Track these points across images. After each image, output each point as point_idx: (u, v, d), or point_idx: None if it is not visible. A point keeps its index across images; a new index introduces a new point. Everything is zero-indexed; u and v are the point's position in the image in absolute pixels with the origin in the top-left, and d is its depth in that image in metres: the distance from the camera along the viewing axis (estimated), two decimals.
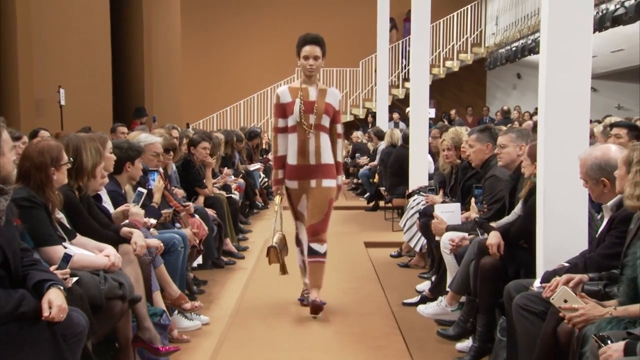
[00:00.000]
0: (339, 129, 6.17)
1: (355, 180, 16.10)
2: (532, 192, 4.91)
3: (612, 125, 6.57)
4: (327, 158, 6.00)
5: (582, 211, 4.58)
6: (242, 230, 9.90)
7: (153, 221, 5.80)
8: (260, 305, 6.10)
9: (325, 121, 5.95)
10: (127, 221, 5.37)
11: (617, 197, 4.07)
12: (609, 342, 3.11)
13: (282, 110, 5.99)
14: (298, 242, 6.39)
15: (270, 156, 13.97)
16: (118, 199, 5.70)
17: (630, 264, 3.68)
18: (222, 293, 6.94)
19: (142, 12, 16.55)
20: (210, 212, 7.82)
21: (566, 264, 4.22)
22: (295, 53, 6.10)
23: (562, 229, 4.57)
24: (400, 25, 22.89)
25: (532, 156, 4.93)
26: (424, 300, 6.49)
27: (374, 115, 17.52)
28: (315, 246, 6.05)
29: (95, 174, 5.06)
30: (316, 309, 5.89)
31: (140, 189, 5.76)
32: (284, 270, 6.25)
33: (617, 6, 13.26)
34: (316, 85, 6.04)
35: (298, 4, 23.95)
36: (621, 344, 3.03)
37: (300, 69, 5.95)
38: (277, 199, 6.29)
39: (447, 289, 5.97)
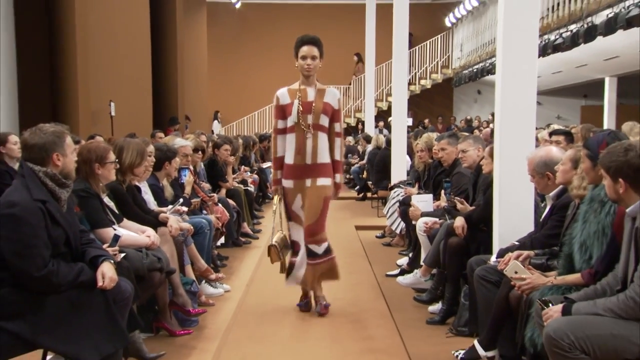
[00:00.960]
0: (338, 127, 5.26)
1: (347, 176, 16.13)
2: (489, 185, 4.96)
3: (552, 133, 6.61)
4: (324, 158, 5.15)
5: (529, 200, 4.61)
6: (256, 217, 9.90)
7: (184, 209, 5.85)
8: (271, 276, 6.12)
9: (324, 121, 5.11)
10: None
11: (558, 188, 4.11)
12: (550, 305, 3.14)
13: (282, 111, 5.15)
14: (291, 243, 5.38)
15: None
16: (157, 191, 5.73)
17: (567, 242, 3.72)
18: (240, 266, 6.96)
19: (176, 39, 16.53)
20: (231, 201, 7.84)
21: (516, 243, 4.24)
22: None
23: (513, 214, 4.60)
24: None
25: (492, 156, 4.98)
26: (402, 272, 6.50)
27: (363, 123, 17.50)
28: (314, 247, 5.20)
29: (135, 171, 5.11)
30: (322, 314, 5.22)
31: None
32: (283, 268, 5.31)
33: (557, 37, 13.32)
34: (315, 85, 5.17)
35: (305, 32, 23.85)
36: (559, 306, 3.05)
37: (299, 69, 5.11)
38: (275, 198, 5.40)
39: (422, 263, 5.98)
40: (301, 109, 5.04)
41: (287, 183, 5.21)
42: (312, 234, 5.17)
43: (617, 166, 2.94)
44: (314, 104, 5.07)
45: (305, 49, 5.03)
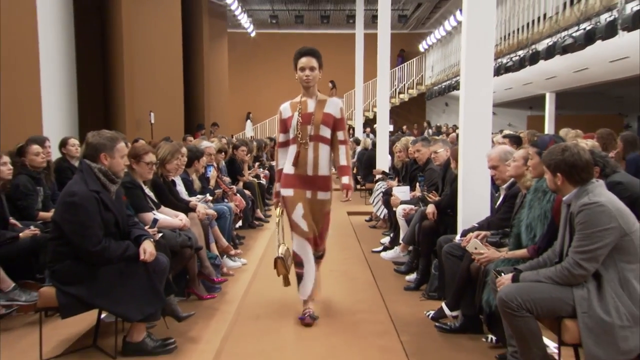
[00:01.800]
0: (341, 135, 4.28)
1: None
2: (455, 178, 4.97)
3: (504, 137, 6.63)
4: (324, 170, 4.21)
5: (486, 191, 4.63)
6: (267, 204, 9.86)
7: (210, 197, 5.87)
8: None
9: (325, 132, 4.16)
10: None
11: (510, 180, 4.12)
12: (502, 274, 3.15)
13: (284, 125, 4.26)
14: (294, 257, 4.31)
15: None
16: (187, 183, 5.73)
17: (516, 224, 3.74)
18: (254, 244, 6.95)
19: (203, 61, 16.50)
20: (247, 192, 7.83)
21: (476, 225, 4.24)
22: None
23: (474, 202, 4.61)
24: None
25: (455, 156, 4.98)
26: (385, 249, 6.52)
27: (353, 129, 17.47)
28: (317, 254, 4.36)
29: (167, 167, 5.14)
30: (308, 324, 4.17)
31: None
32: (287, 281, 4.36)
33: (508, 60, 13.35)
34: (315, 96, 4.24)
35: None
36: (510, 275, 3.07)
37: (299, 81, 4.22)
38: (277, 211, 4.41)
39: (400, 241, 5.97)
40: (300, 120, 4.14)
41: (287, 192, 4.23)
42: (317, 245, 4.31)
43: (555, 163, 2.96)
44: (313, 116, 4.15)
45: (303, 60, 4.15)
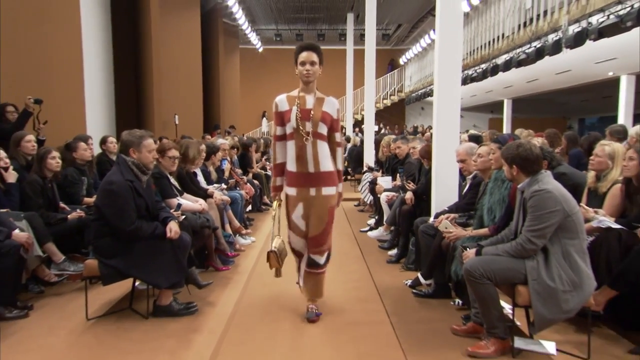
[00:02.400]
0: (338, 137, 3.60)
1: None
2: (429, 170, 4.97)
3: (469, 136, 6.62)
4: (327, 166, 3.47)
5: (455, 180, 4.62)
6: None
7: (224, 186, 5.87)
8: (285, 231, 6.11)
9: (323, 129, 3.44)
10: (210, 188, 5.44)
11: (474, 172, 4.13)
12: (467, 249, 3.16)
13: (280, 118, 3.50)
14: (292, 250, 3.73)
15: None
16: (206, 174, 5.73)
17: (479, 208, 3.75)
18: (262, 225, 6.93)
19: (218, 72, 16.47)
20: (255, 181, 7.83)
21: (447, 208, 4.24)
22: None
23: (444, 190, 4.61)
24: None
25: (429, 153, 4.98)
26: (371, 229, 6.53)
27: (344, 128, 17.45)
28: (316, 257, 3.58)
29: (194, 162, 5.14)
30: (313, 320, 3.55)
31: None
32: (278, 273, 3.70)
33: (473, 72, 13.32)
34: (314, 93, 3.52)
35: None
36: (474, 250, 3.07)
37: (298, 76, 3.50)
38: (275, 204, 3.68)
39: (384, 222, 5.99)
40: (300, 115, 3.43)
41: (290, 190, 3.53)
42: (317, 245, 3.56)
43: (512, 157, 2.97)
44: (312, 112, 3.44)
45: (304, 55, 3.45)
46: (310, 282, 3.63)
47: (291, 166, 3.50)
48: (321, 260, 3.58)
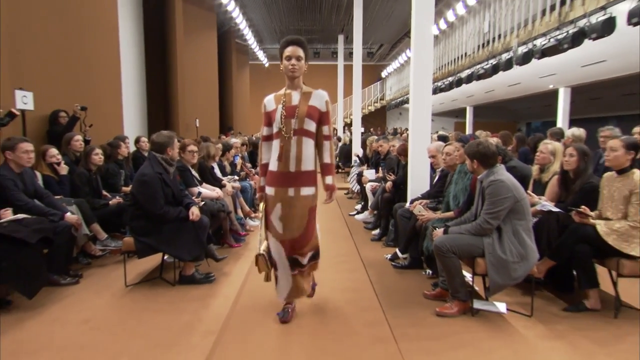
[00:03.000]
0: (326, 130, 2.84)
1: None
2: (406, 164, 4.96)
3: (438, 137, 6.62)
4: (308, 165, 2.76)
5: (426, 172, 4.62)
6: None
7: (237, 177, 5.85)
8: None
9: (309, 125, 2.74)
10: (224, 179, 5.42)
11: (442, 166, 4.13)
12: (436, 228, 3.18)
13: (268, 118, 2.83)
14: (269, 257, 2.86)
15: None
16: (222, 168, 5.70)
17: (446, 195, 3.76)
18: None
19: (232, 84, 16.36)
20: None
21: (420, 196, 4.25)
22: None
23: (418, 180, 4.61)
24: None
25: (405, 150, 4.98)
26: (358, 213, 6.51)
27: (336, 130, 17.38)
28: (298, 257, 2.85)
29: (214, 158, 5.11)
30: (284, 321, 2.86)
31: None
32: (267, 278, 2.91)
33: (441, 84, 13.33)
34: (300, 89, 2.83)
35: (306, 79, 23.74)
36: (442, 229, 3.09)
37: (284, 71, 2.81)
38: (261, 205, 2.88)
39: (369, 207, 6.01)
40: (284, 113, 2.74)
41: (269, 190, 2.80)
42: (296, 248, 2.83)
43: (473, 153, 2.97)
44: (297, 108, 2.74)
45: (289, 49, 2.77)
46: (294, 283, 2.85)
47: (272, 165, 2.79)
48: (303, 260, 2.86)
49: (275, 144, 2.78)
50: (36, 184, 3.65)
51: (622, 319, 2.90)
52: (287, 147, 2.73)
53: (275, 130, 2.79)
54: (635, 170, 2.95)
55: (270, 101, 2.89)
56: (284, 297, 2.91)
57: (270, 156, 2.83)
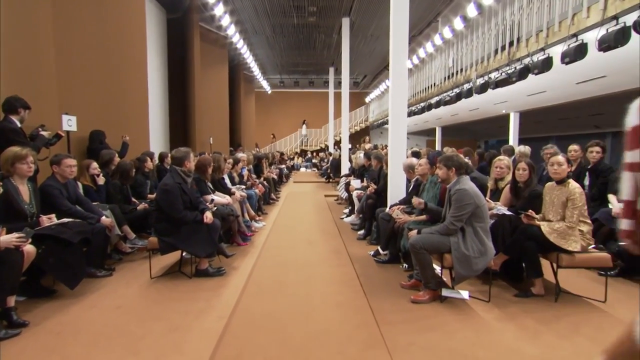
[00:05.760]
0: None
1: (321, 171, 16.07)
2: (386, 175, 4.96)
3: (412, 153, 6.65)
4: None
5: (402, 182, 4.62)
6: (277, 190, 9.84)
7: (243, 187, 5.82)
8: (286, 218, 6.07)
9: None
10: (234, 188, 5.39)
11: (416, 177, 4.15)
12: (412, 229, 3.19)
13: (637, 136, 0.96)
14: None
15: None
16: (231, 178, 5.68)
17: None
18: (271, 213, 6.87)
19: (240, 107, 16.34)
20: (265, 183, 7.77)
21: (398, 202, 4.24)
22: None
23: (396, 189, 4.62)
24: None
25: (378, 156, 4.99)
26: (347, 216, 6.46)
27: (327, 146, 17.44)
28: None
29: (223, 170, 5.07)
30: None
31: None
32: None
33: (415, 108, 13.37)
34: None
35: (302, 107, 23.85)
36: (416, 230, 3.08)
37: None
38: None
39: (355, 212, 5.98)
40: None
41: None
42: None
43: (452, 163, 2.96)
44: None
45: None
46: None
47: None
48: None
49: None
50: (77, 193, 3.62)
51: (561, 303, 2.94)
52: None
53: None
54: (571, 181, 3.01)
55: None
56: None
57: None
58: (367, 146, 10.88)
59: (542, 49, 6.68)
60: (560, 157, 3.04)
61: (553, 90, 7.67)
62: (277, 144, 23.11)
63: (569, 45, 5.84)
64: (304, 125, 22.97)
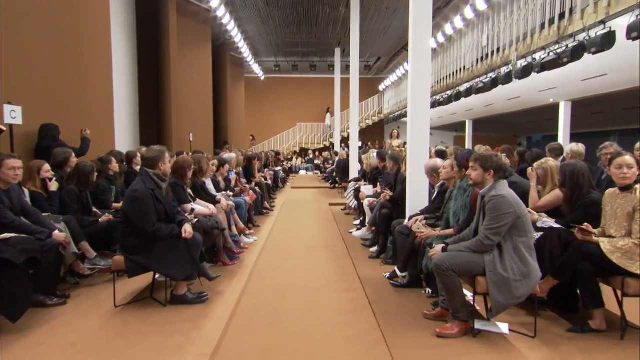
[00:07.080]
0: None
1: (325, 175, 16.09)
2: (404, 180, 4.97)
3: (437, 152, 6.65)
4: None
5: (425, 188, 4.64)
6: (272, 198, 9.88)
7: (231, 193, 5.85)
8: (283, 231, 6.07)
9: None
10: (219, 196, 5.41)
11: (441, 181, 4.15)
12: (435, 246, 3.18)
13: None
14: None
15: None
16: (216, 183, 5.72)
17: (446, 212, 3.77)
18: (263, 226, 6.90)
19: (227, 97, 16.46)
20: (257, 189, 7.80)
21: (419, 212, 4.26)
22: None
23: (416, 196, 4.62)
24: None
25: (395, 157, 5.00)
26: (358, 229, 6.48)
27: (333, 145, 17.48)
28: None
29: (205, 173, 5.11)
30: None
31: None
32: None
33: (440, 98, 13.46)
34: None
35: (299, 94, 23.94)
36: (440, 247, 3.08)
37: None
38: None
39: (367, 224, 5.98)
40: None
41: None
42: None
43: (490, 164, 2.97)
44: None
45: None
46: None
47: None
48: None
49: None
50: (23, 201, 3.63)
51: (628, 341, 2.89)
52: None
53: None
54: (639, 187, 2.98)
55: None
56: None
57: None
58: (396, 143, 10.83)
59: (602, 22, 6.62)
60: (629, 158, 3.02)
61: (615, 73, 7.57)
62: (260, 146, 23.17)
63: (637, 16, 5.74)
64: (328, 114, 22.94)
